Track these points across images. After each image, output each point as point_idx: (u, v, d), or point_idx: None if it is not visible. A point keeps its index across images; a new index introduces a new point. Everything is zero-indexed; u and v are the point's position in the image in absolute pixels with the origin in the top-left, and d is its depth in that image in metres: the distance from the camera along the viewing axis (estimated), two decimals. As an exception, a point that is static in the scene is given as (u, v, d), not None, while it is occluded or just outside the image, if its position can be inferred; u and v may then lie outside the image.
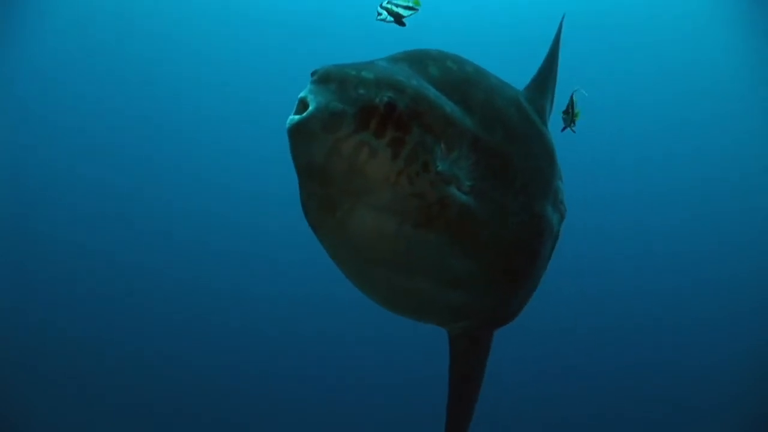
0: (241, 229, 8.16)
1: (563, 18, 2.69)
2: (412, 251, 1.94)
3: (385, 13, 2.97)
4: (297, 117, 1.80)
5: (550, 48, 2.67)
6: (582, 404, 7.60)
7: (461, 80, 2.08)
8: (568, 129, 3.10)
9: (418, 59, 2.05)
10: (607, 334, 7.97)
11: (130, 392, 7.32)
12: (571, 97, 3.06)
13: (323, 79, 1.86)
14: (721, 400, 7.54)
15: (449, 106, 1.98)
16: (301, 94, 1.84)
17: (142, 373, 7.49)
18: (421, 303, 2.13)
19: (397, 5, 2.96)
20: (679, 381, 7.81)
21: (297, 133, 1.81)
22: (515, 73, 2.57)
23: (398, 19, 2.97)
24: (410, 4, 2.94)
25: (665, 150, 8.58)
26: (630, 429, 7.59)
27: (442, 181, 1.92)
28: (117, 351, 7.47)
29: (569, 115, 3.07)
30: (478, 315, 2.31)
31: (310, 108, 1.79)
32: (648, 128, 8.56)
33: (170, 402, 7.40)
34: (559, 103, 2.78)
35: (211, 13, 8.95)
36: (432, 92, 1.96)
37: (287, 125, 1.83)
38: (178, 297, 7.96)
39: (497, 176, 2.09)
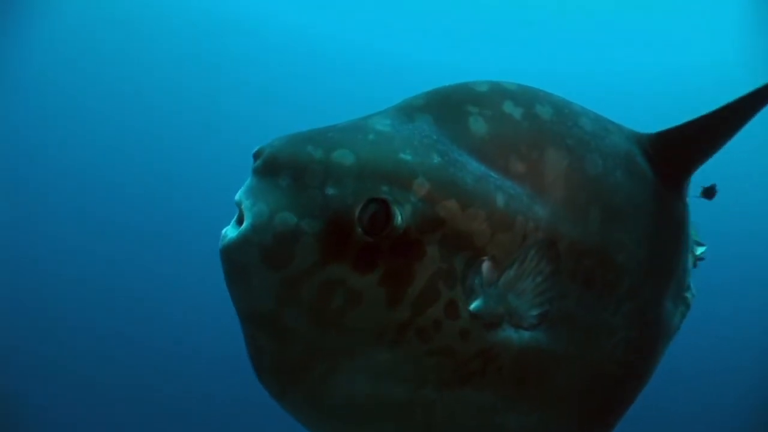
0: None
1: None
2: (438, 418, 1.24)
3: None
4: (230, 235, 1.13)
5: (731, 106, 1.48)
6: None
7: (531, 136, 1.27)
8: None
9: (450, 107, 1.26)
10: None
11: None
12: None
13: (269, 166, 1.13)
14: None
15: (503, 195, 1.20)
16: (237, 196, 1.15)
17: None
18: None
19: None
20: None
21: (227, 261, 1.14)
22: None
23: None
24: None
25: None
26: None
27: (484, 326, 1.19)
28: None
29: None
30: None
31: (245, 223, 1.11)
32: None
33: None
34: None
35: (213, 17, 8.99)
36: (471, 172, 1.17)
37: (219, 246, 1.15)
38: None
39: (589, 285, 1.33)
